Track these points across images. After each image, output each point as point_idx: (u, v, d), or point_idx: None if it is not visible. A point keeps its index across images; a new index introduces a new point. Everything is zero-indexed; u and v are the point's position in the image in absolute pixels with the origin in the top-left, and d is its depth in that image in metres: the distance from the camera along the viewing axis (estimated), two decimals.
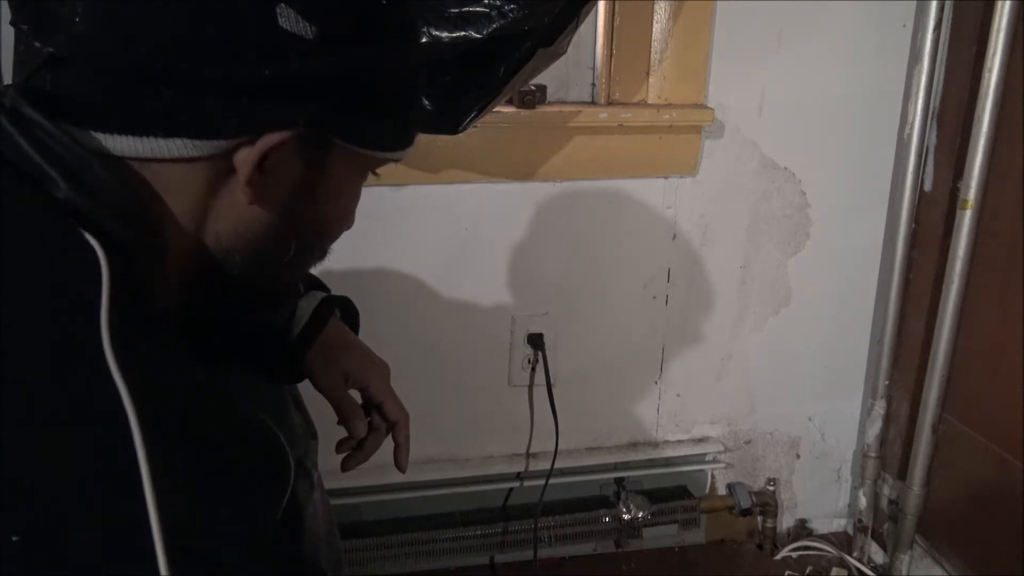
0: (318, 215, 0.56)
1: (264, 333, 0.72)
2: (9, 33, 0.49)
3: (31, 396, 0.36)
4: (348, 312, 0.83)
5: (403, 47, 0.52)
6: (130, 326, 0.40)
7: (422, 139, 1.06)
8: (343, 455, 0.77)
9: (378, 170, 0.61)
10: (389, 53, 0.50)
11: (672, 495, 1.34)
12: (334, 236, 0.61)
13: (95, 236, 0.41)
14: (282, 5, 0.44)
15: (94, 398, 0.37)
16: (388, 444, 1.28)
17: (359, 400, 0.77)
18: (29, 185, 0.43)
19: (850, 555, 1.39)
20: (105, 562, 0.35)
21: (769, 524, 1.39)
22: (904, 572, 1.30)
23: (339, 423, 0.76)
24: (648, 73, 1.16)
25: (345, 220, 0.61)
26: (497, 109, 1.00)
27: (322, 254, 0.63)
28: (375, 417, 0.78)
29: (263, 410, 0.55)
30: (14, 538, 0.33)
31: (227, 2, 0.44)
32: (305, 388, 0.76)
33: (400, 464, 0.79)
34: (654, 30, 1.13)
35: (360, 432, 0.75)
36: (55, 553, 0.34)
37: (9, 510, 0.34)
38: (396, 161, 0.58)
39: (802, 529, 1.47)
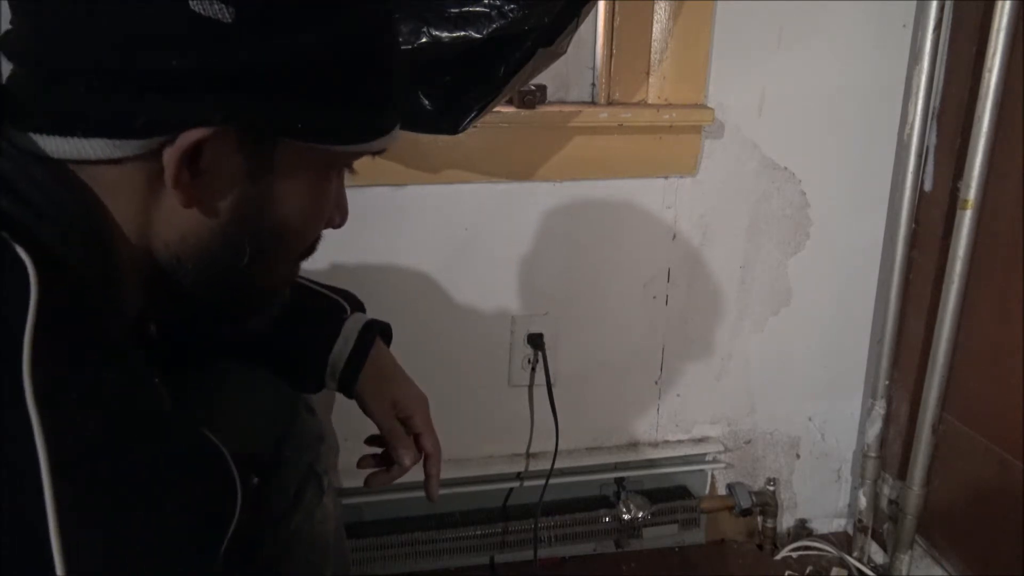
0: (274, 217, 0.49)
1: (296, 342, 0.71)
2: None
3: None
4: (386, 336, 0.83)
5: (352, 29, 0.46)
6: (58, 352, 0.37)
7: (422, 139, 1.07)
8: (368, 471, 0.77)
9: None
10: (330, 37, 0.44)
11: (672, 495, 1.34)
12: (304, 238, 0.54)
13: (29, 250, 0.38)
14: None
15: (6, 434, 0.35)
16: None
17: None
18: None
19: (850, 555, 1.39)
20: None
21: (769, 524, 1.39)
22: (904, 572, 1.30)
23: (384, 449, 0.77)
24: (648, 73, 1.16)
25: (314, 220, 0.53)
26: (497, 109, 1.00)
27: (295, 256, 0.56)
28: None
29: (257, 416, 0.54)
30: None
31: None
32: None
33: (431, 495, 0.80)
34: (654, 30, 1.14)
35: (406, 462, 0.76)
36: None
37: None
38: (373, 153, 0.52)
39: (802, 529, 1.47)
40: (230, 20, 0.40)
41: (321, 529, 0.73)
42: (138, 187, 0.44)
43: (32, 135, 0.42)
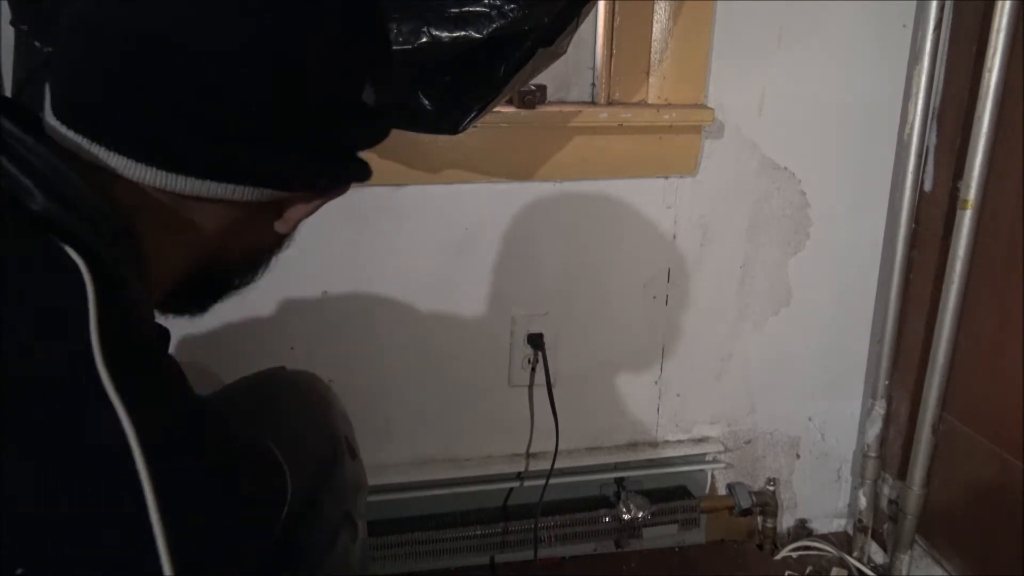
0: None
1: None
2: (9, 33, 0.49)
3: (30, 428, 0.34)
4: None
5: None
6: (122, 346, 0.38)
7: (422, 139, 1.07)
8: None
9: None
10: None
11: (672, 495, 1.34)
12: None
13: (77, 250, 0.39)
14: None
15: (96, 424, 0.35)
16: (388, 444, 1.29)
17: None
18: (3, 199, 0.40)
19: (850, 555, 1.39)
20: None
21: (769, 524, 1.39)
22: (904, 572, 1.30)
23: None
24: (648, 73, 1.16)
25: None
26: (497, 109, 1.00)
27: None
28: None
29: (296, 450, 0.55)
30: (19, 571, 0.33)
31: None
32: None
33: None
34: (654, 30, 1.14)
35: None
36: None
37: (16, 544, 0.33)
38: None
39: (802, 529, 1.47)
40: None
41: (349, 572, 0.73)
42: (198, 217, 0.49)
43: (99, 147, 0.43)
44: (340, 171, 0.53)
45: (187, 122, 0.43)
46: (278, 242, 0.58)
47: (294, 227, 0.55)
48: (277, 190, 0.49)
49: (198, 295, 0.58)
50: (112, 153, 0.43)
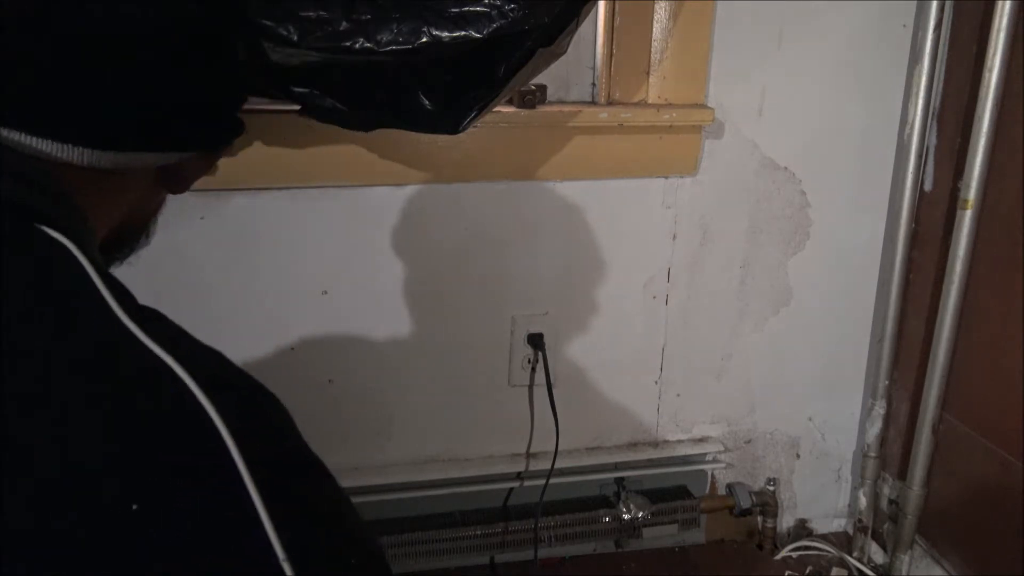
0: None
1: None
2: None
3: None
4: None
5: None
6: (131, 302, 0.37)
7: (422, 139, 1.07)
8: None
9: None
10: None
11: (672, 495, 1.34)
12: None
13: (57, 230, 0.38)
14: None
15: (144, 383, 0.34)
16: (389, 444, 1.29)
17: None
18: None
19: (850, 555, 1.39)
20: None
21: (769, 524, 1.39)
22: (904, 572, 1.30)
23: None
24: (648, 73, 1.16)
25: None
26: (497, 109, 1.00)
27: None
28: None
29: None
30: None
31: None
32: None
33: None
34: (654, 30, 1.13)
35: None
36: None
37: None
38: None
39: (802, 529, 1.47)
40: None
41: None
42: (111, 185, 0.48)
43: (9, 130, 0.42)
44: (227, 128, 0.56)
45: (83, 94, 0.43)
46: (161, 205, 0.60)
47: (188, 188, 0.57)
48: (178, 152, 0.51)
49: None
50: (15, 132, 0.42)
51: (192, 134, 0.52)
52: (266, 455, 0.35)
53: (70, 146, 0.43)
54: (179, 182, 0.56)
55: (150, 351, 0.35)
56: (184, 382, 0.34)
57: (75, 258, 0.37)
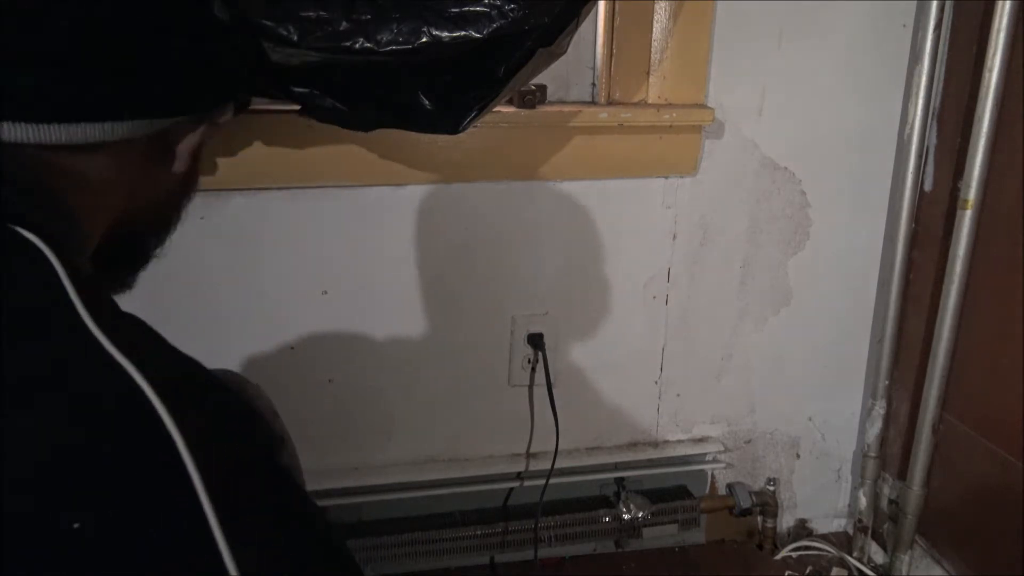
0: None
1: None
2: None
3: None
4: None
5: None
6: (104, 307, 0.37)
7: (422, 139, 1.07)
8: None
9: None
10: None
11: (672, 495, 1.34)
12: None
13: (31, 231, 0.37)
14: None
15: (105, 384, 0.34)
16: (389, 443, 1.29)
17: None
18: None
19: (850, 555, 1.39)
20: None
21: (769, 524, 1.39)
22: (904, 572, 1.30)
23: None
24: (648, 73, 1.16)
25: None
26: (497, 109, 1.00)
27: None
28: None
29: None
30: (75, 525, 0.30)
31: None
32: None
33: None
34: (654, 30, 1.14)
35: None
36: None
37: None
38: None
39: (802, 529, 1.47)
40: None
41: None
42: (109, 164, 0.47)
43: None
44: (211, 90, 0.53)
45: (27, 64, 0.41)
46: (181, 188, 0.57)
47: (190, 163, 0.54)
48: (153, 118, 0.48)
49: (116, 268, 0.56)
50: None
51: (167, 97, 0.49)
52: (225, 466, 0.35)
53: (44, 125, 0.42)
54: (173, 157, 0.53)
55: (113, 360, 0.34)
56: (144, 392, 0.34)
57: (47, 261, 0.36)
